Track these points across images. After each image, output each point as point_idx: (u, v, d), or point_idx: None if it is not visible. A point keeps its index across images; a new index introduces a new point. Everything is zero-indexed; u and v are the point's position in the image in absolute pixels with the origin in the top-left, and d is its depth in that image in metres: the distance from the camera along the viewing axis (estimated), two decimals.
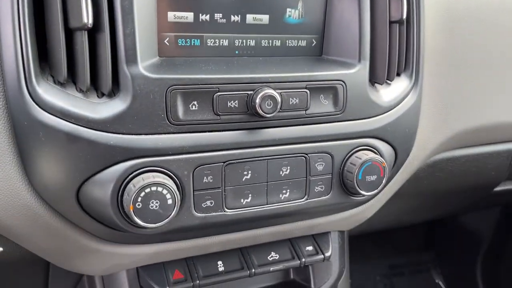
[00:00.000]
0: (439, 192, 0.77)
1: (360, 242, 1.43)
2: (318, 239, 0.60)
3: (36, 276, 0.59)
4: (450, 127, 0.65)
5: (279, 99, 0.46)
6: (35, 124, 0.41)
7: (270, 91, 0.46)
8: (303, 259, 0.58)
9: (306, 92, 0.49)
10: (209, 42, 0.50)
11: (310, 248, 0.59)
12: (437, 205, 0.86)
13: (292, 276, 0.64)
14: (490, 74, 0.68)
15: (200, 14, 0.48)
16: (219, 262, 0.55)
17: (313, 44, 0.54)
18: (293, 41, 0.53)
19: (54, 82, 0.42)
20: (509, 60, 0.70)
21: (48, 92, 0.41)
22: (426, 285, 1.46)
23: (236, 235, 0.53)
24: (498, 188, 0.81)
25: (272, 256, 0.57)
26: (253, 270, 0.55)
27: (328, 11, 0.54)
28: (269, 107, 0.46)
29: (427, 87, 0.61)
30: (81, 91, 0.42)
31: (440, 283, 1.45)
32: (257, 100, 0.46)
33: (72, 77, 0.43)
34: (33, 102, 0.40)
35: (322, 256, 0.59)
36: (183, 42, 0.49)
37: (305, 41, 0.54)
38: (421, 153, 0.62)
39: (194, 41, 0.49)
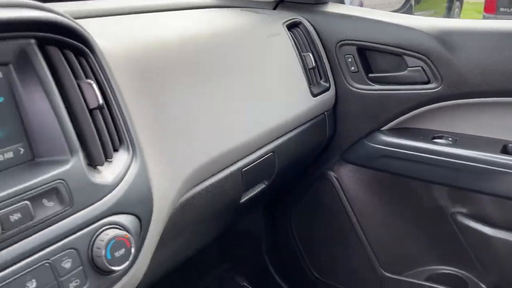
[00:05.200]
0: (200, 222, 0.88)
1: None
2: None
3: None
4: (179, 173, 0.75)
5: None
6: None
7: None
8: None
9: (27, 204, 0.50)
10: None
11: None
12: (208, 230, 0.98)
13: None
14: (196, 113, 0.81)
15: None
16: None
17: (21, 152, 0.56)
18: None
19: None
20: (209, 93, 0.85)
21: None
22: None
23: None
24: (243, 200, 0.97)
25: None
26: None
27: (24, 117, 0.56)
28: None
29: (147, 148, 0.69)
30: None
31: (245, 284, 1.62)
32: None
33: None
34: None
35: None
36: None
37: (11, 152, 0.55)
38: (163, 205, 0.70)
39: None
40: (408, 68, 1.10)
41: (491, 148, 1.05)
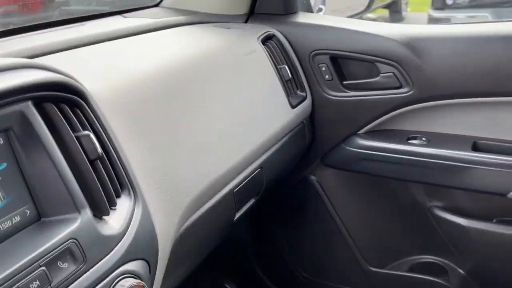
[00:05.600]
0: (197, 247, 0.90)
1: None
2: None
3: None
4: (177, 207, 0.76)
5: None
6: None
7: None
8: None
9: (44, 270, 0.51)
10: None
11: None
12: (204, 252, 1.00)
13: None
14: (187, 143, 0.82)
15: None
16: None
17: (28, 214, 0.56)
18: (6, 222, 0.53)
19: None
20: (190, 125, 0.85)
21: None
22: None
23: None
24: (236, 218, 0.99)
25: None
26: None
27: (28, 179, 0.55)
28: None
29: (145, 188, 0.70)
30: None
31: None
32: None
33: None
34: None
35: None
36: None
37: (18, 215, 0.55)
38: (166, 242, 0.72)
39: None
40: (381, 74, 1.15)
41: (462, 145, 1.12)
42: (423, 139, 1.17)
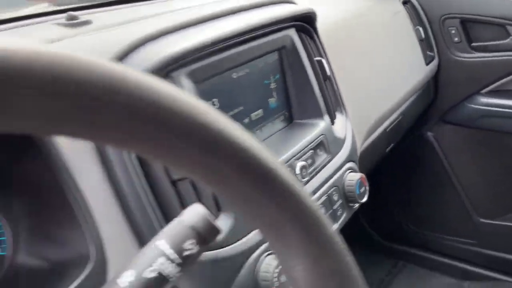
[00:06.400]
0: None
1: None
2: None
3: None
4: (360, 130, 0.92)
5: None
6: None
7: None
8: None
9: (312, 152, 0.68)
10: None
11: None
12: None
13: None
14: (363, 82, 0.98)
15: None
16: None
17: (286, 116, 0.73)
18: (275, 120, 0.71)
19: None
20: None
21: None
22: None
23: None
24: (387, 151, 1.15)
25: None
26: None
27: (288, 88, 0.73)
28: (304, 173, 0.63)
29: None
30: None
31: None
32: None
33: None
34: None
35: None
36: None
37: (282, 116, 0.72)
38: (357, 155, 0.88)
39: None
40: (511, 37, 1.25)
41: None
42: None
